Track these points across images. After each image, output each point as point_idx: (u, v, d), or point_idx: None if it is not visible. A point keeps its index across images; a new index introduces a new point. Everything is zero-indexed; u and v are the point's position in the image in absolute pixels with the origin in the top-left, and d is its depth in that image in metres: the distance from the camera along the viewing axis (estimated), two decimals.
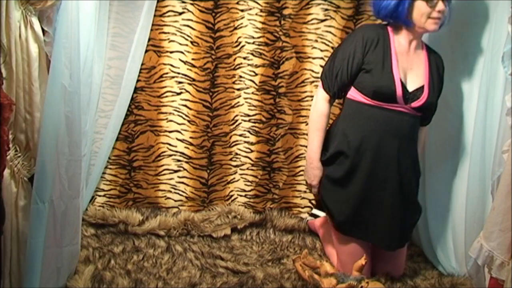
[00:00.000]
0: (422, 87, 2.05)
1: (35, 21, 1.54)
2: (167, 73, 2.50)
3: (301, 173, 2.64)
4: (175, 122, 2.55)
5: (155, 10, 2.39)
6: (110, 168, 2.53)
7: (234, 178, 2.66)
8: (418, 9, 1.97)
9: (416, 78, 2.06)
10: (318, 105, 2.14)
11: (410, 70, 2.06)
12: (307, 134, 2.61)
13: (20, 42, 1.50)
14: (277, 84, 2.58)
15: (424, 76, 2.07)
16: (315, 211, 2.61)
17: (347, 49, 2.05)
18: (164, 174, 2.59)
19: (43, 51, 1.59)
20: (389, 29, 2.08)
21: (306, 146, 2.55)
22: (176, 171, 2.59)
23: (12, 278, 1.61)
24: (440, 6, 1.95)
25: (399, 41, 2.07)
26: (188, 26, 2.46)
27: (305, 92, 2.60)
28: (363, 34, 2.05)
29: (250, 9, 2.49)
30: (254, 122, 2.60)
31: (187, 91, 2.52)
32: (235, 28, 2.50)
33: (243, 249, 2.43)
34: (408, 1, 1.97)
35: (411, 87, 2.04)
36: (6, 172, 1.55)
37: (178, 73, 2.50)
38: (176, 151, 2.57)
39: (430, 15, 1.97)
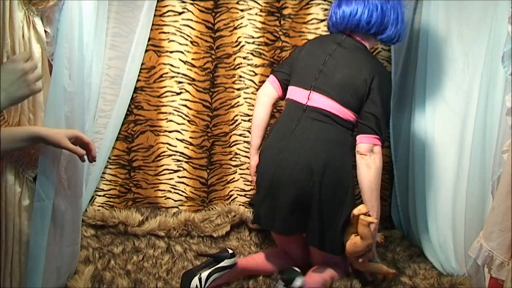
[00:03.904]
0: None
1: (37, 22, 1.54)
2: (167, 73, 2.50)
3: None
4: (175, 122, 2.55)
5: (155, 10, 2.40)
6: (110, 168, 2.53)
7: (233, 178, 2.66)
8: None
9: None
10: (381, 161, 2.04)
11: None
12: None
13: (23, 42, 1.49)
14: None
15: None
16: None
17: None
18: (164, 174, 2.59)
19: (46, 51, 1.59)
20: None
21: None
22: (176, 171, 2.59)
23: (13, 279, 1.60)
24: None
25: None
26: (188, 26, 2.46)
27: None
28: None
29: (250, 9, 2.49)
30: None
31: (187, 91, 2.52)
32: (235, 28, 2.50)
33: (242, 248, 2.43)
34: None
35: None
36: (10, 172, 1.55)
37: (178, 73, 2.50)
38: (176, 151, 2.57)
39: None
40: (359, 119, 2.06)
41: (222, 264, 2.02)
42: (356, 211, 1.96)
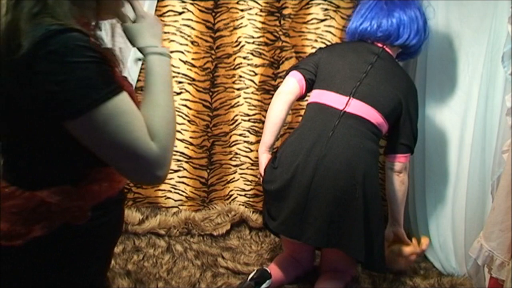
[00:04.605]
0: None
1: None
2: None
3: None
4: None
5: (155, 10, 2.39)
6: None
7: (233, 178, 2.66)
8: None
9: None
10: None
11: None
12: None
13: None
14: (277, 84, 2.57)
15: None
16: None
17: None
18: None
19: None
20: None
21: None
22: (176, 171, 2.59)
23: None
24: None
25: None
26: (188, 26, 2.46)
27: None
28: None
29: (250, 9, 2.49)
30: (254, 122, 2.60)
31: (187, 91, 2.52)
32: (235, 28, 2.50)
33: (242, 247, 2.44)
34: None
35: None
36: None
37: (178, 73, 2.50)
38: (176, 151, 2.57)
39: None
40: (398, 138, 2.04)
41: (264, 286, 1.97)
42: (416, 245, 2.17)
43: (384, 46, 2.08)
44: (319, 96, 2.04)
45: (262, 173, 2.06)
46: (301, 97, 2.15)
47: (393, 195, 2.09)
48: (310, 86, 2.10)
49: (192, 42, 2.48)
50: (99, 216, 1.07)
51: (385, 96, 1.98)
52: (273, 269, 2.11)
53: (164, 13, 2.43)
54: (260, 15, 2.49)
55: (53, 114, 0.92)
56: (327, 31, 2.53)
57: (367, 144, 1.95)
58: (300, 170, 1.90)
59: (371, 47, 2.08)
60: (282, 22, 2.51)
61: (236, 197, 2.67)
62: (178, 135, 2.55)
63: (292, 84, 2.09)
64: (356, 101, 1.96)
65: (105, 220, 1.10)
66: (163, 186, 2.60)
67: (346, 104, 1.96)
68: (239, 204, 2.64)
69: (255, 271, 1.99)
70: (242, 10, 2.49)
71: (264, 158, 2.08)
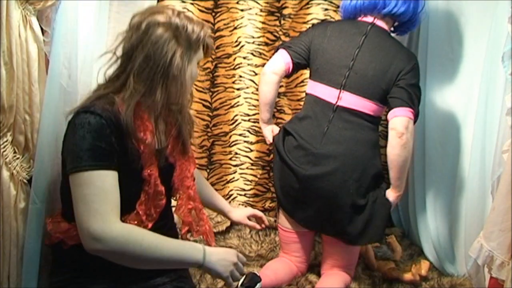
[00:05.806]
0: None
1: (34, 21, 1.52)
2: None
3: None
4: None
5: None
6: None
7: (233, 178, 2.66)
8: None
9: None
10: (413, 139, 1.96)
11: None
12: None
13: (20, 42, 1.48)
14: None
15: None
16: None
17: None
18: None
19: (42, 51, 1.58)
20: None
21: None
22: None
23: (11, 283, 1.58)
24: None
25: None
26: None
27: (304, 91, 2.58)
28: None
29: (250, 8, 2.49)
30: (254, 122, 2.60)
31: None
32: (235, 28, 2.50)
33: (242, 247, 2.43)
34: None
35: None
36: (5, 174, 1.53)
37: None
38: None
39: None
40: (388, 95, 1.94)
41: None
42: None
43: (375, 20, 2.02)
44: (314, 88, 2.05)
45: (271, 141, 2.19)
46: (287, 76, 2.16)
47: (393, 160, 1.91)
48: (296, 68, 2.10)
49: None
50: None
51: (375, 81, 1.95)
52: (266, 271, 2.09)
53: None
54: (260, 15, 2.49)
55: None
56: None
57: (363, 135, 1.97)
58: (296, 165, 1.97)
59: (360, 26, 2.02)
60: (282, 22, 2.51)
61: (236, 197, 2.67)
62: None
63: (278, 65, 2.07)
64: (346, 94, 1.96)
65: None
66: None
67: (338, 98, 1.97)
68: (239, 204, 2.64)
69: (245, 275, 1.98)
70: (242, 10, 2.49)
71: (267, 130, 2.21)
